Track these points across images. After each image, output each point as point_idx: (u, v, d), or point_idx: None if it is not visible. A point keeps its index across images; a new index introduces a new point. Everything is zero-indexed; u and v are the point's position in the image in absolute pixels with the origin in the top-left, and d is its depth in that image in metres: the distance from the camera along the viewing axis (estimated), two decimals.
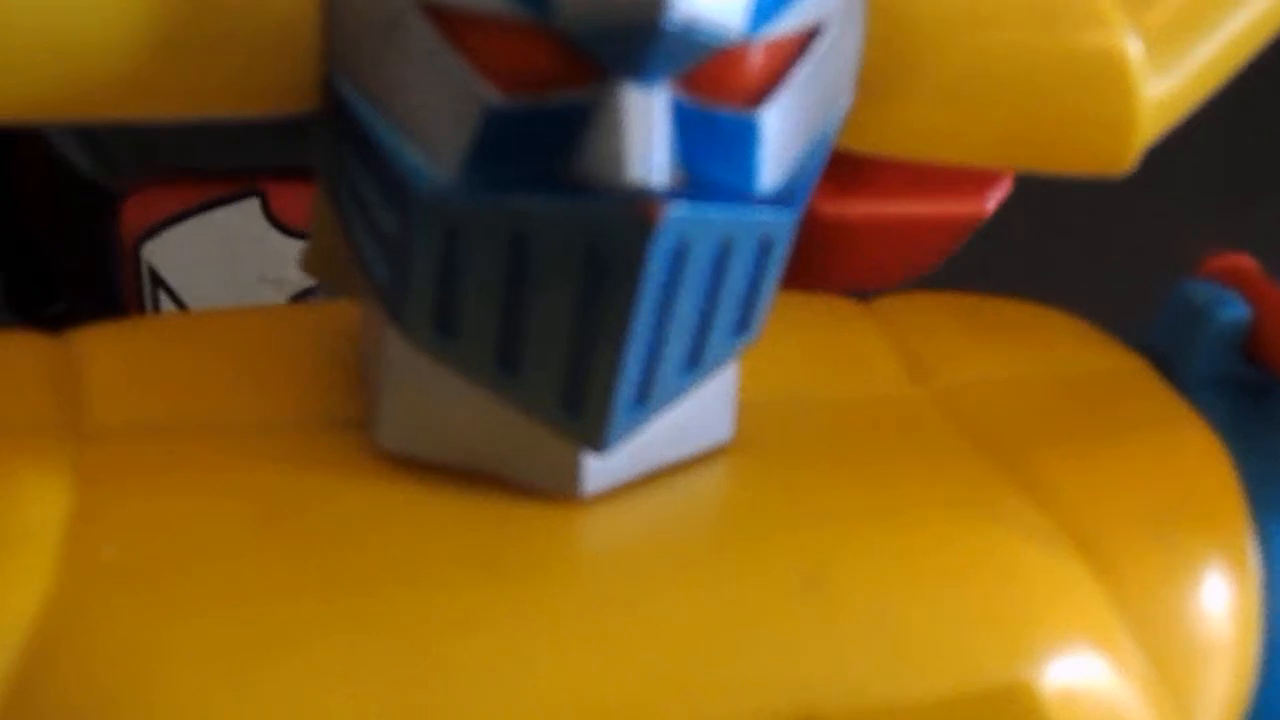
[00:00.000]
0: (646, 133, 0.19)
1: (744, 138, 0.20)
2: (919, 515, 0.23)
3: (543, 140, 0.19)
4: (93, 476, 0.22)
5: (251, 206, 0.38)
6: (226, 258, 0.38)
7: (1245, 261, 0.29)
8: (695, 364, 0.21)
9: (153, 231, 0.38)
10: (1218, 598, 0.25)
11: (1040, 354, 0.28)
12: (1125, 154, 0.23)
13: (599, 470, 0.22)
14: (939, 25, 0.22)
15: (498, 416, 0.22)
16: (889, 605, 0.22)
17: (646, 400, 0.21)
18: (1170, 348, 0.28)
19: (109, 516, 0.21)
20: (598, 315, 0.19)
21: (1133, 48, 0.22)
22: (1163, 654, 0.24)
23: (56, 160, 0.37)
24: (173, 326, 0.27)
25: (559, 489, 0.22)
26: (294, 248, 0.40)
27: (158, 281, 0.38)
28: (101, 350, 0.25)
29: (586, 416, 0.20)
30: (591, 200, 0.19)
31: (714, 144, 0.20)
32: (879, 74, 0.22)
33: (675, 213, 0.18)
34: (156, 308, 0.38)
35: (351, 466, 0.23)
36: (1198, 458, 0.26)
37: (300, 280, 0.40)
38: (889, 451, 0.25)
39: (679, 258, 0.19)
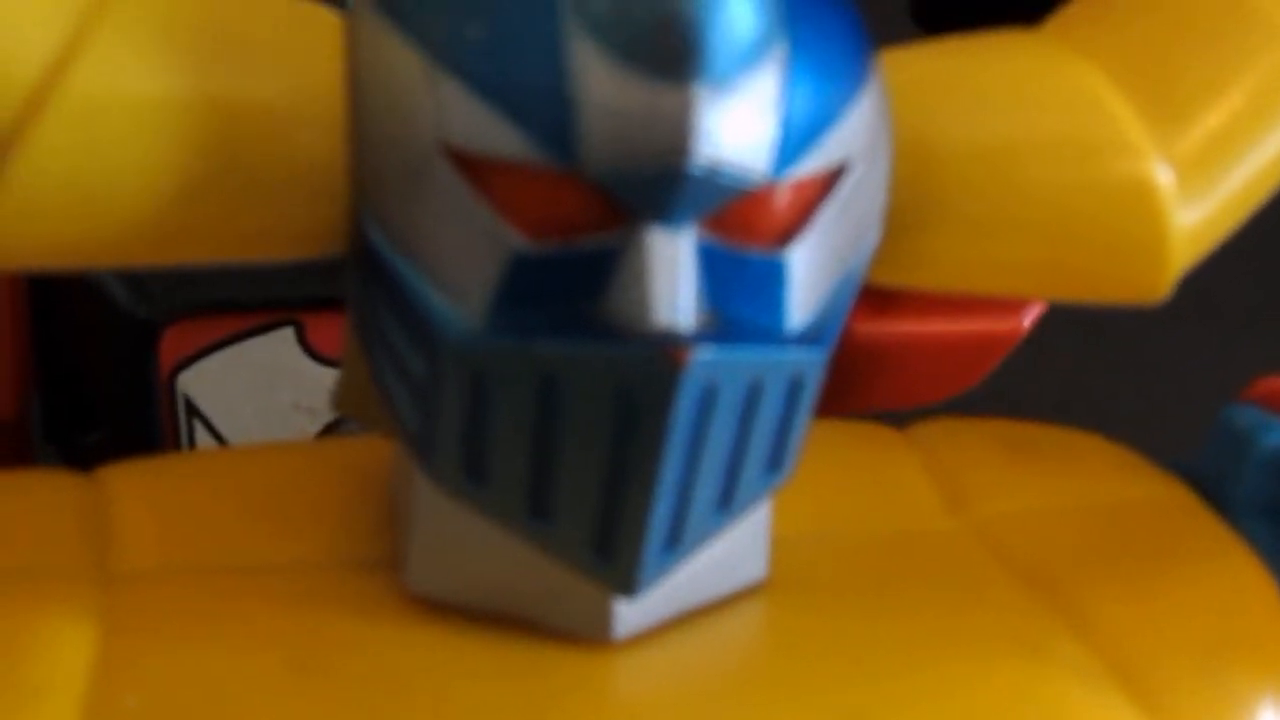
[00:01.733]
0: (673, 276, 0.18)
1: (772, 278, 0.20)
2: (958, 658, 0.23)
3: (569, 284, 0.19)
4: (118, 622, 0.22)
5: (286, 336, 0.38)
6: (261, 387, 0.38)
7: None
8: (727, 505, 0.21)
9: (188, 362, 0.38)
10: None
11: (1081, 483, 0.27)
12: (1160, 283, 0.23)
13: (631, 614, 0.22)
14: (967, 159, 0.22)
15: (528, 560, 0.21)
16: None
17: (678, 543, 0.21)
18: (1216, 474, 0.28)
19: (134, 664, 0.21)
20: (627, 459, 0.19)
21: (1164, 177, 0.22)
22: None
23: (96, 293, 0.37)
24: (202, 465, 0.27)
25: (591, 633, 0.22)
26: (329, 376, 0.40)
27: (193, 411, 0.38)
28: (130, 491, 0.25)
29: (617, 562, 0.20)
30: (619, 345, 0.18)
31: (742, 284, 0.20)
32: (908, 208, 0.22)
33: (702, 356, 0.18)
34: (192, 437, 0.38)
35: (381, 611, 0.22)
36: (1245, 588, 0.25)
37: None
38: (927, 589, 0.24)
39: (708, 400, 0.19)
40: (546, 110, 0.18)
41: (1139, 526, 0.27)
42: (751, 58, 0.18)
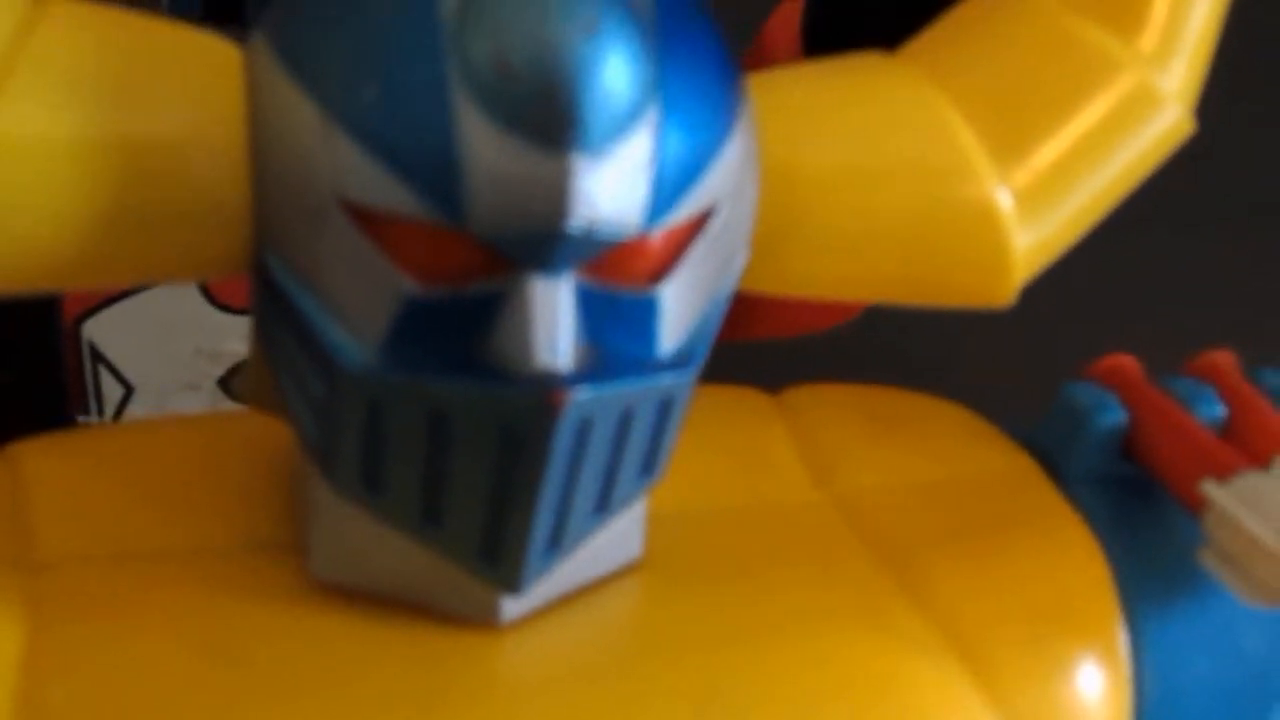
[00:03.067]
0: (552, 321, 0.20)
1: (646, 313, 0.22)
2: (812, 630, 0.25)
3: (458, 325, 0.21)
4: (44, 611, 0.23)
5: (188, 289, 0.39)
6: (164, 333, 0.40)
7: (1127, 362, 0.31)
8: (604, 508, 0.23)
9: (93, 310, 0.39)
10: (1088, 692, 0.27)
11: (936, 454, 0.30)
12: (1002, 294, 0.25)
13: (516, 601, 0.24)
14: (827, 182, 0.24)
15: (421, 555, 0.23)
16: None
17: (558, 546, 0.23)
18: (1055, 446, 0.30)
19: (62, 653, 0.23)
20: (511, 480, 0.21)
21: (1004, 201, 0.24)
22: None
23: None
24: (115, 443, 0.29)
25: (480, 618, 0.24)
26: (230, 322, 0.41)
27: (98, 357, 0.39)
28: (46, 473, 0.26)
29: (503, 565, 0.22)
30: (503, 384, 0.20)
31: (618, 320, 0.21)
32: (775, 227, 0.24)
33: (579, 396, 0.20)
34: (97, 382, 0.40)
35: (289, 596, 0.24)
36: (1074, 558, 0.28)
37: (236, 352, 0.41)
38: (787, 563, 0.27)
39: (584, 429, 0.21)
40: (436, 173, 0.20)
41: (985, 500, 0.29)
42: (626, 125, 0.20)
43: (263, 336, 0.24)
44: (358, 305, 0.21)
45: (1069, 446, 0.30)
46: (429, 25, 0.20)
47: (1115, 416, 0.29)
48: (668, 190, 0.21)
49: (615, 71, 0.19)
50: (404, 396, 0.21)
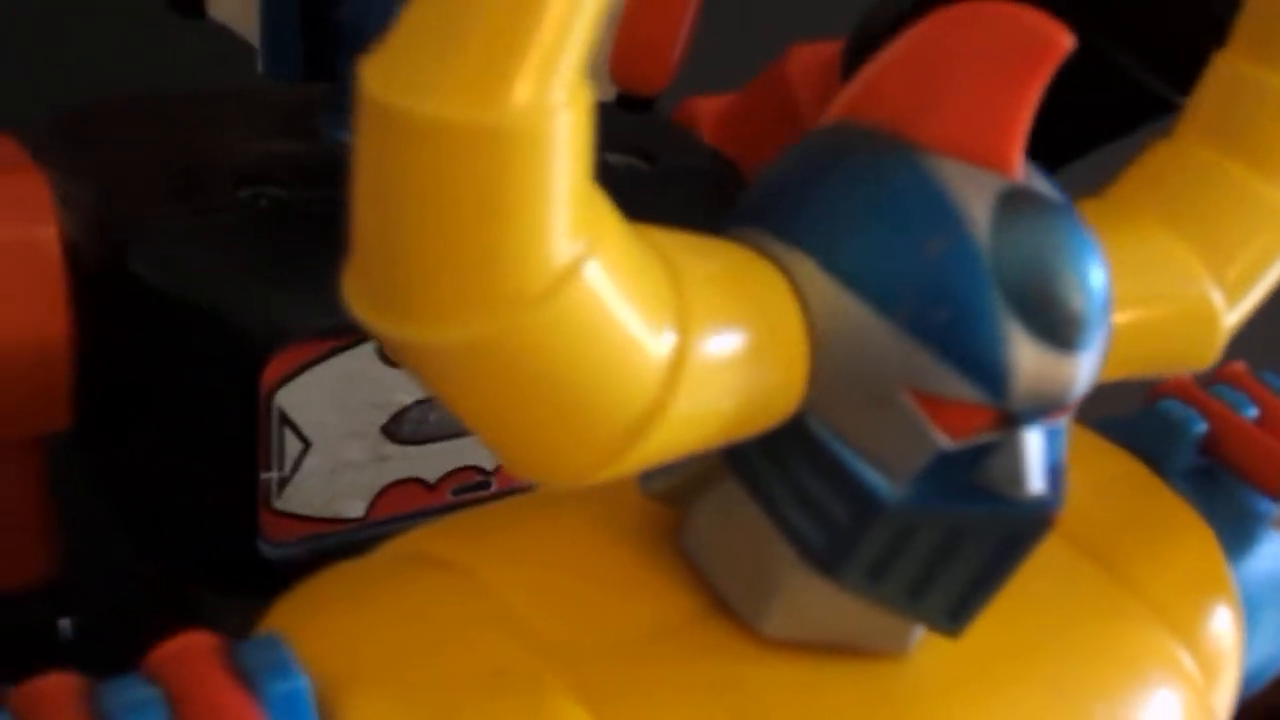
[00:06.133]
0: (1039, 458, 0.29)
1: (1057, 436, 0.30)
2: (1069, 614, 0.35)
3: (965, 463, 0.29)
4: (595, 698, 0.30)
5: (366, 350, 0.44)
6: (341, 390, 0.44)
7: (1186, 379, 0.42)
8: None
9: (285, 380, 0.43)
10: (1231, 627, 0.38)
11: (1091, 469, 0.40)
12: (1212, 358, 0.35)
13: (918, 631, 0.32)
14: (1118, 310, 0.33)
15: (866, 613, 0.31)
16: (1090, 691, 0.34)
17: None
18: (1154, 449, 0.41)
19: None
20: (995, 569, 0.30)
21: (1218, 299, 0.34)
22: (1211, 668, 0.37)
23: (209, 322, 0.42)
24: (532, 530, 0.34)
25: (894, 649, 0.32)
26: (397, 376, 0.47)
27: (285, 421, 0.44)
28: (500, 572, 0.32)
29: (964, 620, 0.31)
30: (1010, 506, 0.29)
31: (1051, 443, 0.30)
32: None
33: (1060, 509, 0.29)
34: (281, 442, 0.44)
35: (751, 652, 0.32)
36: (1196, 533, 0.39)
37: (400, 402, 0.46)
38: (1036, 574, 0.36)
39: None
40: (992, 372, 0.27)
41: (1125, 496, 0.40)
42: (1102, 325, 0.28)
43: (757, 462, 0.30)
44: (897, 456, 0.28)
45: (1168, 450, 0.41)
46: (974, 261, 0.27)
47: (1200, 426, 0.41)
48: (1101, 360, 0.29)
49: (1101, 292, 0.28)
50: (930, 521, 0.29)
